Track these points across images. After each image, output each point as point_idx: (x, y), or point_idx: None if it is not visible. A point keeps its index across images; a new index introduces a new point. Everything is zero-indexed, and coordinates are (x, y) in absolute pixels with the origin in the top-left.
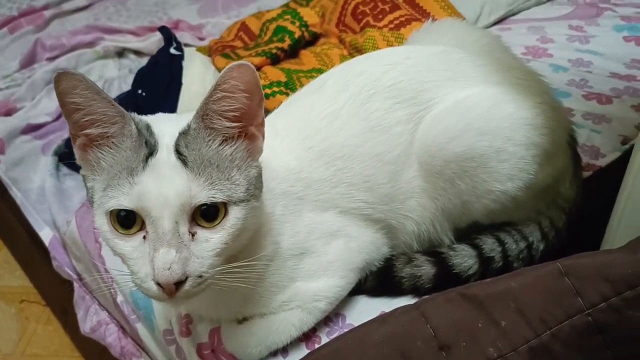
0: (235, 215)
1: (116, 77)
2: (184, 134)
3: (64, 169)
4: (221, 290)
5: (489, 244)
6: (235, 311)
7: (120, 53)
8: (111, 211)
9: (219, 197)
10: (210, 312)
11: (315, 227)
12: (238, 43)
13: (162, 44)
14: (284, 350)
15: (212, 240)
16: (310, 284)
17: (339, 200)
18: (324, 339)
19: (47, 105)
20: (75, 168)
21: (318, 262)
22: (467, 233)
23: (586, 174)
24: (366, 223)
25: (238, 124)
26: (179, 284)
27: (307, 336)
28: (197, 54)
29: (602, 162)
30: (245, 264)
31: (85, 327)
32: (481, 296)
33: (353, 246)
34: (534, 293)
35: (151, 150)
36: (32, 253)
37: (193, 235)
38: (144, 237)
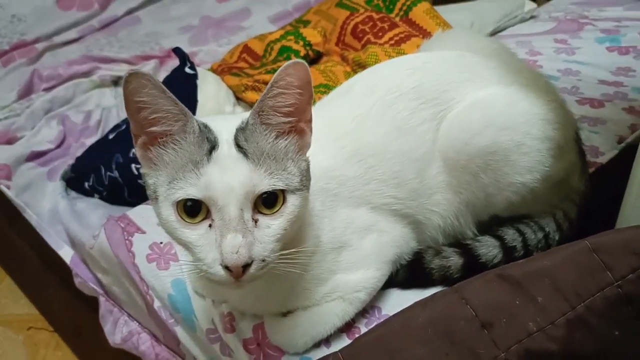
0: (292, 202)
1: (113, 105)
2: (241, 129)
3: (72, 193)
4: (268, 285)
5: (510, 234)
6: (280, 305)
7: (116, 81)
8: (178, 202)
9: (279, 185)
10: (257, 307)
11: (350, 222)
12: (242, 64)
13: (156, 72)
14: (327, 341)
15: (272, 226)
16: (350, 276)
17: (371, 197)
18: (363, 330)
19: (47, 134)
20: (83, 192)
21: (355, 255)
22: (489, 226)
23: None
24: (395, 218)
25: (291, 119)
26: (245, 267)
27: (348, 327)
28: (209, 73)
29: (602, 159)
30: (298, 250)
31: (115, 338)
32: (517, 275)
33: (385, 240)
34: (566, 270)
35: (212, 144)
36: (43, 278)
37: (256, 222)
38: (210, 226)
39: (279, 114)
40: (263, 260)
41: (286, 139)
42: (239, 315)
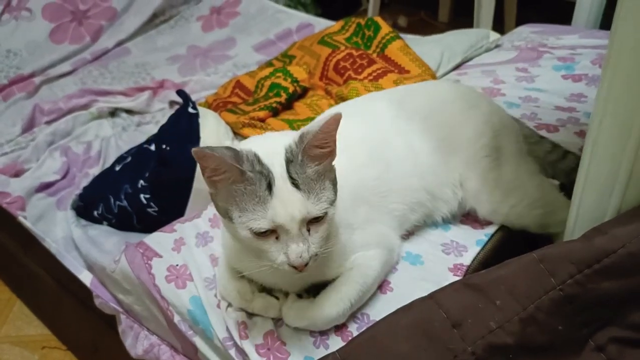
0: (331, 212)
1: (111, 135)
2: (291, 162)
3: (82, 221)
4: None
5: None
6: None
7: (113, 113)
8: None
9: (325, 207)
10: (302, 283)
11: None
12: (235, 99)
13: (150, 102)
14: (325, 342)
15: (320, 230)
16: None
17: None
18: (355, 334)
19: (52, 165)
20: (92, 219)
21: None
22: None
23: None
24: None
25: (328, 150)
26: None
27: (342, 332)
28: (209, 111)
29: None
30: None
31: (136, 351)
32: (479, 284)
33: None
34: (518, 277)
35: (269, 181)
36: (59, 300)
37: (309, 230)
38: (276, 238)
39: (321, 149)
40: (316, 255)
41: (324, 161)
42: (251, 323)
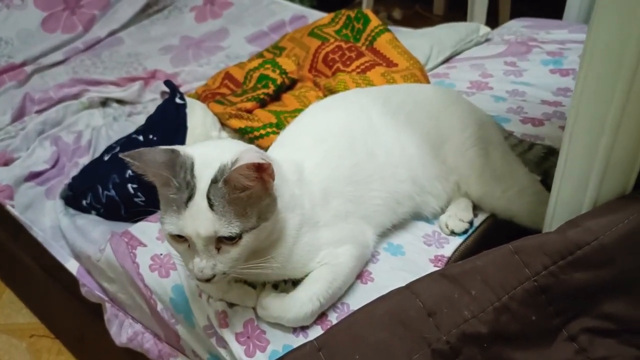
0: (246, 239)
1: (102, 125)
2: (215, 182)
3: (71, 210)
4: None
5: None
6: (279, 275)
7: (104, 103)
8: None
9: (234, 232)
10: (261, 277)
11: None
12: (224, 90)
13: (141, 92)
14: (305, 331)
15: (231, 251)
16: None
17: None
18: (335, 322)
19: (41, 154)
20: (80, 209)
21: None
22: None
23: None
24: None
25: (254, 182)
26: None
27: (322, 320)
28: (197, 102)
29: None
30: (259, 264)
31: (121, 339)
32: (455, 274)
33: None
34: (494, 268)
35: (190, 193)
36: (47, 289)
37: (219, 249)
38: (188, 246)
39: (242, 183)
40: (224, 273)
41: (250, 190)
42: (232, 312)
